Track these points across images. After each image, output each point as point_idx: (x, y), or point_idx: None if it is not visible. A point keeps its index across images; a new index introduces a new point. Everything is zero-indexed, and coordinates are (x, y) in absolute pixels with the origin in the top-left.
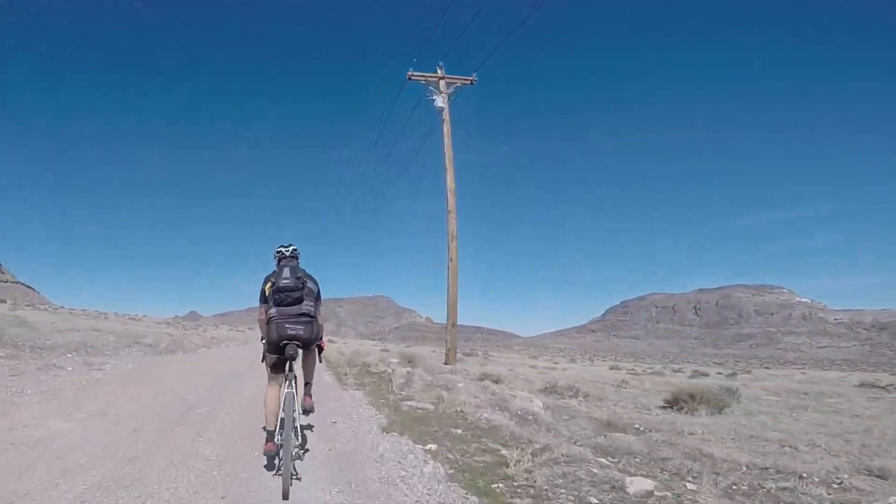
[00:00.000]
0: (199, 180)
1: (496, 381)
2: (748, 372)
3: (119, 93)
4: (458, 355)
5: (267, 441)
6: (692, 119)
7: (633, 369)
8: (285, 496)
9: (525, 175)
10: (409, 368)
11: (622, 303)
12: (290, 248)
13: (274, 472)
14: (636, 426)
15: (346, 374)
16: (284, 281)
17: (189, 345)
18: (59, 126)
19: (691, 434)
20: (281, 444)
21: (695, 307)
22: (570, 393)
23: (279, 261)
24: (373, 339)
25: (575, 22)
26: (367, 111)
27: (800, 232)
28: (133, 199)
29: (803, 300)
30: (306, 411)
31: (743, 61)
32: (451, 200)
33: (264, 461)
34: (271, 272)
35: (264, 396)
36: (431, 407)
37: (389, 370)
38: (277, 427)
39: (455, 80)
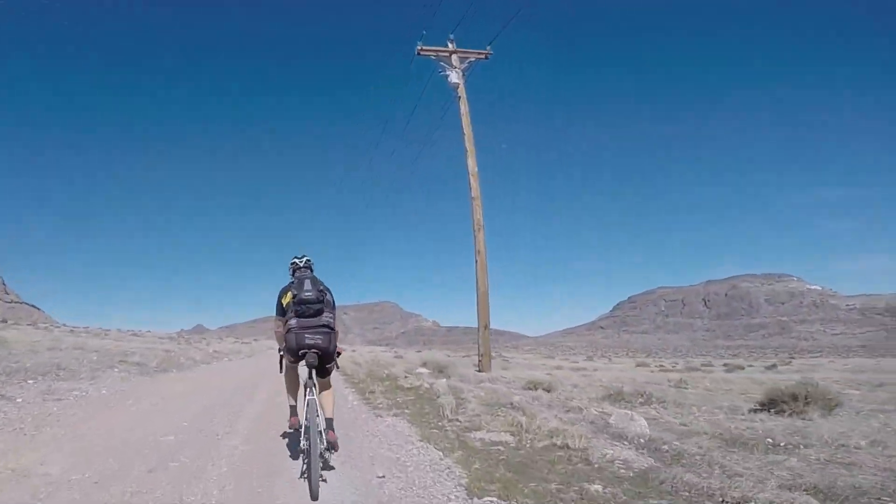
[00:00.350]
0: (196, 191)
1: (547, 390)
2: (788, 363)
3: (118, 102)
4: (476, 359)
5: (291, 416)
6: (694, 109)
7: (662, 365)
8: (314, 497)
9: (527, 167)
10: (444, 380)
11: (630, 298)
12: (305, 259)
13: (300, 475)
14: (769, 440)
15: (372, 392)
16: (307, 293)
17: (186, 361)
18: (61, 138)
19: (857, 448)
20: (307, 447)
21: (704, 299)
22: (641, 400)
23: (294, 272)
24: (380, 346)
25: None
26: (370, 100)
27: (806, 218)
28: (134, 214)
29: (814, 287)
30: (331, 447)
31: (755, 47)
32: (475, 185)
33: None
34: (287, 284)
35: (284, 379)
36: (512, 439)
37: (426, 384)
38: (302, 430)
39: (469, 55)
